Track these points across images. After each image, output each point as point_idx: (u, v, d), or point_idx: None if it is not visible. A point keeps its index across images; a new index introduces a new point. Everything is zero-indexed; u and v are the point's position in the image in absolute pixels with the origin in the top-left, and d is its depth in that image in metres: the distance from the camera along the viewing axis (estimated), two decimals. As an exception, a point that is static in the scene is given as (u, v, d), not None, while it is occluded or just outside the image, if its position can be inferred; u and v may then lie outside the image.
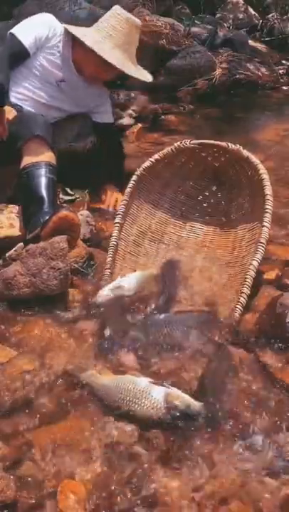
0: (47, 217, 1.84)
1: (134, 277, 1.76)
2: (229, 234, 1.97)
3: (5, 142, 2.02)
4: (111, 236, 1.90)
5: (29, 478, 1.11)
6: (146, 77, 2.41)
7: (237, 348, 1.49)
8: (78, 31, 2.26)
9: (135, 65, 2.35)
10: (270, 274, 1.80)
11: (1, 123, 1.96)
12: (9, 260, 1.80)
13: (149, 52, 4.13)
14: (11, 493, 1.06)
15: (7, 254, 1.83)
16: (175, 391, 1.25)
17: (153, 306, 1.67)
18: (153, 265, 1.91)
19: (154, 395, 1.23)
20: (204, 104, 4.30)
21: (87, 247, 1.97)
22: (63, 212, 1.82)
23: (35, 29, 2.27)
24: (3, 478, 1.07)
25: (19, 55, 2.25)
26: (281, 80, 5.12)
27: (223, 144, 1.91)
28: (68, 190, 2.40)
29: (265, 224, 1.69)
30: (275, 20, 5.80)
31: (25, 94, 2.32)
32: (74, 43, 2.30)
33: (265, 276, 1.79)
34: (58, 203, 2.20)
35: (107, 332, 1.53)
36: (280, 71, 5.22)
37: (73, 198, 2.39)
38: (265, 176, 1.76)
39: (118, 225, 1.90)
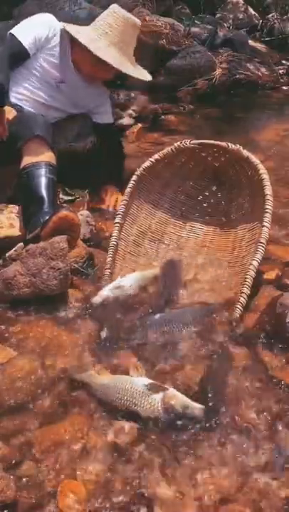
0: (47, 217, 1.84)
1: (134, 277, 1.76)
2: (229, 234, 1.97)
3: (5, 142, 2.02)
4: (111, 236, 1.90)
5: (29, 478, 1.11)
6: (145, 76, 2.40)
7: (237, 348, 1.49)
8: (74, 29, 2.26)
9: (134, 65, 2.34)
10: (270, 274, 1.81)
11: (1, 123, 1.96)
12: (9, 260, 1.80)
13: (149, 52, 4.13)
14: (11, 493, 1.06)
15: (7, 254, 1.83)
16: (172, 392, 1.24)
17: (153, 306, 1.67)
18: (153, 265, 1.91)
19: (151, 395, 1.23)
20: (204, 104, 4.29)
21: (87, 247, 1.97)
22: (63, 212, 1.82)
23: (35, 29, 2.27)
24: (3, 478, 1.07)
25: (19, 56, 2.24)
26: (281, 80, 5.11)
27: (223, 144, 1.91)
28: (68, 190, 2.40)
29: (265, 224, 1.69)
30: (275, 20, 5.79)
31: (25, 94, 2.32)
32: (73, 42, 2.30)
33: (265, 276, 1.79)
34: (58, 203, 2.20)
35: (107, 332, 1.53)
36: (280, 71, 5.21)
37: (73, 198, 2.39)
38: (265, 176, 1.76)
39: (118, 225, 1.90)
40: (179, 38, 4.51)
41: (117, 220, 1.92)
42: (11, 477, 1.09)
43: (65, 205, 2.26)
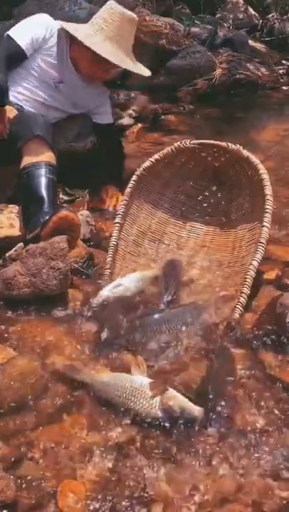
0: (47, 218, 1.84)
1: (133, 277, 1.76)
2: (229, 234, 1.97)
3: (5, 142, 2.02)
4: (111, 236, 1.90)
5: (29, 478, 1.11)
6: (144, 71, 2.39)
7: (237, 348, 1.49)
8: (71, 26, 2.26)
9: (133, 61, 2.33)
10: (270, 274, 1.81)
11: (1, 121, 1.96)
12: (9, 260, 1.80)
13: (149, 52, 4.13)
14: (11, 493, 1.06)
15: (7, 254, 1.83)
16: (172, 393, 1.24)
17: (153, 306, 1.67)
18: (153, 265, 1.91)
19: (149, 394, 1.23)
20: (204, 104, 4.29)
21: (87, 247, 1.97)
22: (63, 213, 1.82)
23: (32, 30, 2.27)
24: (3, 478, 1.07)
25: (16, 57, 2.24)
26: (281, 80, 5.11)
27: (223, 144, 1.91)
28: (68, 190, 2.40)
29: (265, 224, 1.69)
30: (275, 20, 5.79)
31: (25, 94, 2.32)
32: (71, 41, 2.30)
33: (265, 276, 1.79)
34: (58, 203, 2.20)
35: (107, 332, 1.53)
36: (280, 71, 5.21)
37: (73, 198, 2.39)
38: (265, 176, 1.76)
39: (118, 225, 1.90)
40: (179, 38, 4.51)
41: (117, 220, 1.92)
42: (11, 477, 1.09)
43: (65, 205, 2.26)
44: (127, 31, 2.27)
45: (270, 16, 5.92)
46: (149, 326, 1.54)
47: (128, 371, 1.35)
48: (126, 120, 3.72)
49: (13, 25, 2.34)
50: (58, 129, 2.29)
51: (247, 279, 1.61)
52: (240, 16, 5.92)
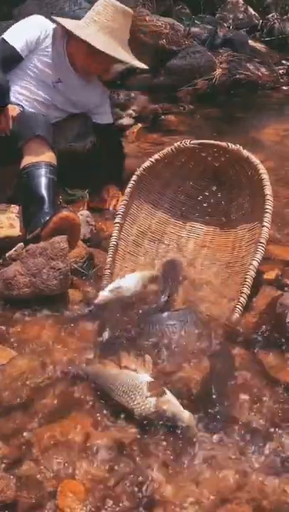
0: (47, 218, 1.84)
1: (133, 278, 1.76)
2: (229, 234, 1.97)
3: (5, 142, 2.02)
4: (111, 236, 1.90)
5: (29, 478, 1.11)
6: (140, 64, 2.37)
7: (237, 348, 1.49)
8: (63, 20, 2.27)
9: (129, 54, 2.31)
10: (270, 274, 1.80)
11: (5, 118, 1.96)
12: (9, 260, 1.80)
13: (149, 52, 4.13)
14: (11, 493, 1.06)
15: (7, 254, 1.83)
16: (168, 397, 1.24)
17: (153, 306, 1.67)
18: (153, 265, 1.91)
19: (147, 395, 1.24)
20: (204, 104, 4.29)
21: (87, 247, 1.97)
22: (64, 213, 1.82)
23: (27, 32, 2.26)
24: (3, 478, 1.07)
25: (11, 59, 2.23)
26: (281, 80, 5.11)
27: (223, 144, 1.91)
28: (68, 190, 2.40)
29: (265, 224, 1.69)
30: (275, 20, 5.78)
31: (24, 94, 2.31)
32: (68, 37, 2.30)
33: (265, 276, 1.79)
34: (58, 203, 2.20)
35: (107, 332, 1.53)
36: (280, 71, 5.20)
37: (73, 198, 2.39)
38: (265, 176, 1.76)
39: (118, 225, 1.90)
40: (179, 38, 4.50)
41: (117, 220, 1.92)
42: (11, 477, 1.09)
43: (65, 205, 2.26)
44: (120, 23, 2.24)
45: (270, 16, 5.92)
46: (149, 327, 1.54)
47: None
48: (126, 120, 3.72)
49: (12, 25, 2.34)
50: (58, 129, 2.28)
51: (247, 279, 1.61)
52: (240, 16, 5.91)
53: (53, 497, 1.07)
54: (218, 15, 5.87)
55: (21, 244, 1.85)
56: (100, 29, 2.21)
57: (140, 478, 1.10)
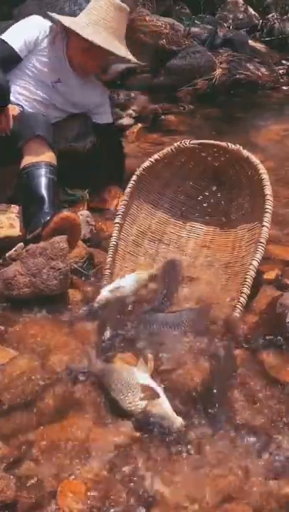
0: (48, 218, 1.84)
1: (133, 278, 1.76)
2: (229, 234, 1.97)
3: (5, 142, 2.02)
4: (111, 236, 1.90)
5: (29, 478, 1.11)
6: (135, 60, 2.37)
7: (237, 348, 1.49)
8: (61, 17, 2.27)
9: (125, 48, 2.30)
10: (270, 274, 1.80)
11: (5, 118, 1.96)
12: (9, 260, 1.80)
13: (149, 52, 4.13)
14: (11, 493, 1.06)
15: (7, 254, 1.83)
16: (160, 401, 1.23)
17: (153, 306, 1.67)
18: (153, 265, 1.91)
19: (139, 394, 1.24)
20: (204, 104, 4.29)
21: (87, 247, 1.97)
22: (64, 213, 1.82)
23: (25, 32, 2.27)
24: (3, 478, 1.07)
25: (10, 60, 2.24)
26: (281, 80, 5.11)
27: (223, 144, 1.91)
28: (68, 190, 2.40)
29: (265, 224, 1.69)
30: (275, 20, 5.78)
31: (24, 94, 2.31)
32: (68, 39, 2.30)
33: (265, 276, 1.79)
34: (59, 203, 2.20)
35: (107, 332, 1.53)
36: (280, 71, 5.20)
37: (73, 198, 2.39)
38: (265, 176, 1.76)
39: (118, 225, 1.90)
40: (179, 38, 4.51)
41: (117, 220, 1.92)
42: (11, 477, 1.09)
43: (65, 205, 2.26)
44: (116, 18, 2.24)
45: (270, 16, 5.92)
46: (149, 327, 1.54)
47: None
48: (126, 120, 3.73)
49: (12, 25, 2.34)
50: (58, 129, 2.28)
51: (247, 279, 1.61)
52: (240, 16, 5.92)
53: (53, 497, 1.07)
54: (218, 15, 5.87)
55: (21, 244, 1.86)
56: (95, 24, 2.20)
57: (140, 478, 1.10)
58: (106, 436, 1.20)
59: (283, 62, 5.47)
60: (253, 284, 1.62)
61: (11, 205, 2.05)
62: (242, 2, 6.02)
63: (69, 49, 2.32)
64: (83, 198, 2.40)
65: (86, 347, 1.49)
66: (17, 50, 2.24)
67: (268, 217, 1.70)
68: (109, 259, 1.84)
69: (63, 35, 2.31)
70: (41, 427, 1.24)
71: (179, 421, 1.20)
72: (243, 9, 5.97)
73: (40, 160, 2.01)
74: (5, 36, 2.26)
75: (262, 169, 1.78)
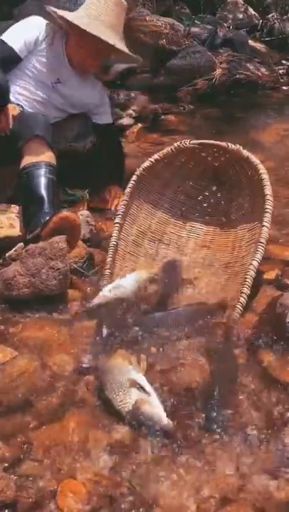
0: (47, 218, 1.84)
1: (133, 278, 1.76)
2: (229, 234, 1.97)
3: (5, 142, 2.02)
4: (111, 236, 1.90)
5: (29, 478, 1.11)
6: (130, 53, 2.35)
7: (237, 348, 1.49)
8: (59, 10, 2.27)
9: (122, 42, 2.28)
10: (270, 274, 1.80)
11: (4, 117, 1.96)
12: (9, 260, 1.80)
13: (149, 52, 4.13)
14: (11, 493, 1.06)
15: (7, 254, 1.83)
16: (149, 399, 1.23)
17: (153, 306, 1.67)
18: (153, 265, 1.91)
19: (130, 394, 1.24)
20: (204, 104, 4.29)
21: (87, 247, 1.97)
22: (64, 213, 1.83)
23: (25, 33, 2.27)
24: (3, 478, 1.07)
25: (10, 60, 2.24)
26: (281, 80, 5.11)
27: (223, 144, 1.91)
28: (68, 190, 2.40)
29: (265, 224, 1.69)
30: (275, 20, 5.79)
31: (24, 94, 2.31)
32: (67, 38, 2.29)
33: (265, 276, 1.79)
34: (59, 203, 2.20)
35: (106, 332, 1.53)
36: (280, 71, 5.20)
37: (73, 198, 2.39)
38: (265, 176, 1.76)
39: (118, 225, 1.90)
40: (179, 38, 4.51)
41: (116, 220, 1.92)
42: (11, 477, 1.09)
43: (65, 205, 2.26)
44: (111, 11, 2.23)
45: (270, 15, 5.92)
46: (149, 327, 1.54)
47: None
48: (126, 120, 3.73)
49: (12, 25, 2.34)
50: (58, 129, 2.29)
51: (247, 279, 1.61)
52: (240, 16, 5.92)
53: (53, 497, 1.07)
54: (218, 15, 5.87)
55: (21, 244, 1.86)
56: (95, 19, 2.20)
57: (140, 478, 1.10)
58: (106, 436, 1.20)
59: (283, 62, 5.47)
60: (253, 284, 1.62)
61: (11, 205, 2.05)
62: (242, 2, 6.03)
63: (68, 47, 2.32)
64: (83, 198, 2.40)
65: (86, 347, 1.49)
66: (17, 50, 2.25)
67: (268, 217, 1.70)
68: (109, 259, 1.84)
69: (62, 34, 2.31)
70: (41, 427, 1.24)
71: (167, 420, 1.20)
72: (243, 9, 5.97)
73: (40, 160, 2.01)
74: (5, 37, 2.26)
75: (262, 169, 1.78)
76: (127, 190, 1.95)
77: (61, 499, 1.06)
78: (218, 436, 1.19)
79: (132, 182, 1.95)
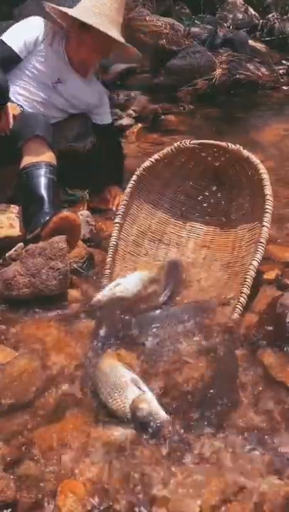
0: (47, 218, 1.84)
1: (133, 277, 1.76)
2: (229, 234, 1.97)
3: (5, 142, 2.02)
4: (111, 236, 1.90)
5: (29, 478, 1.11)
6: (130, 45, 2.35)
7: (237, 348, 1.49)
8: (60, 7, 2.27)
9: (119, 34, 2.28)
10: (270, 274, 1.81)
11: (4, 117, 1.96)
12: (9, 260, 1.80)
13: (149, 52, 4.13)
14: (11, 493, 1.06)
15: (7, 254, 1.83)
16: (146, 396, 1.23)
17: (153, 306, 1.67)
18: (153, 265, 1.91)
19: (126, 394, 1.24)
20: (204, 104, 4.29)
21: (87, 247, 1.97)
22: (64, 213, 1.83)
23: (25, 33, 2.27)
24: (3, 478, 1.07)
25: (10, 60, 2.24)
26: (281, 80, 5.11)
27: (223, 144, 1.91)
28: (68, 190, 2.40)
29: (265, 224, 1.69)
30: (275, 20, 5.78)
31: (24, 94, 2.31)
32: (67, 38, 2.30)
33: (265, 276, 1.79)
34: (59, 203, 2.20)
35: (107, 332, 1.53)
36: (280, 71, 5.20)
37: (73, 198, 2.39)
38: (265, 176, 1.76)
39: (118, 225, 1.90)
40: (179, 38, 4.51)
41: (116, 220, 1.92)
42: (11, 477, 1.09)
43: (65, 205, 2.26)
44: (110, 5, 2.22)
45: (270, 15, 5.91)
46: (149, 327, 1.54)
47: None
48: (126, 120, 3.73)
49: (12, 25, 2.34)
50: (58, 129, 2.28)
51: (247, 279, 1.61)
52: (240, 16, 5.91)
53: (53, 497, 1.07)
54: (218, 15, 5.87)
55: (21, 244, 1.86)
56: (94, 13, 2.19)
57: (140, 478, 1.10)
58: (106, 436, 1.20)
59: (283, 62, 5.47)
60: (253, 284, 1.62)
61: (10, 205, 2.05)
62: (242, 2, 6.03)
63: (68, 47, 2.32)
64: (83, 198, 2.40)
65: (85, 348, 1.49)
66: (17, 50, 2.24)
67: (268, 217, 1.70)
68: (109, 259, 1.85)
69: (62, 34, 2.31)
70: (41, 427, 1.24)
71: (165, 416, 1.20)
72: (243, 9, 5.97)
73: (40, 160, 2.01)
74: (5, 37, 2.26)
75: (262, 169, 1.78)
76: (127, 190, 1.95)
77: (61, 499, 1.06)
78: (218, 436, 1.19)
79: (132, 182, 1.96)
